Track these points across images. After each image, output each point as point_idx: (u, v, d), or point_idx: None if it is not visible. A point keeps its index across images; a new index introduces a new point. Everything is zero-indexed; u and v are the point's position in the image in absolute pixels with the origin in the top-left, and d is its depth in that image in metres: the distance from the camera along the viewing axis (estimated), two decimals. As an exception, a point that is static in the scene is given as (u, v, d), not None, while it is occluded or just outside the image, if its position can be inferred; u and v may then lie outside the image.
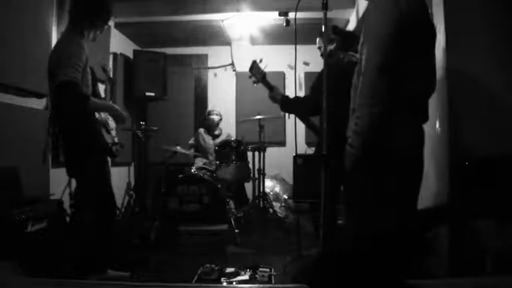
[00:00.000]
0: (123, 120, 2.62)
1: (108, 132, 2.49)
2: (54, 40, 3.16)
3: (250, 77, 2.74)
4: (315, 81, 2.62)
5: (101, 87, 3.16)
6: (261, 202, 4.22)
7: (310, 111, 2.64)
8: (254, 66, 2.73)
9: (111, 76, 4.70)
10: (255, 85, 2.77)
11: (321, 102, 1.81)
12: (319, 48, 2.72)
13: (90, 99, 2.30)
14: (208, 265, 2.58)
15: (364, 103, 1.40)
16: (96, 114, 2.48)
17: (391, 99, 1.39)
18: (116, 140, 2.57)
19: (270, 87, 2.69)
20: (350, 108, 1.55)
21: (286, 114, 5.41)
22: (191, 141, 4.71)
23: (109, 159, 2.65)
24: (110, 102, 2.77)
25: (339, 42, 2.61)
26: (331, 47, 2.59)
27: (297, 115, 2.84)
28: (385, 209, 1.43)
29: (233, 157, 3.88)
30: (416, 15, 1.44)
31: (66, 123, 2.33)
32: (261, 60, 2.77)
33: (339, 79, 1.90)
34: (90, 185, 2.36)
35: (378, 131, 1.39)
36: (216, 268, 2.55)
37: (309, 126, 2.82)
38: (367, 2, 1.62)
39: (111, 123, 2.59)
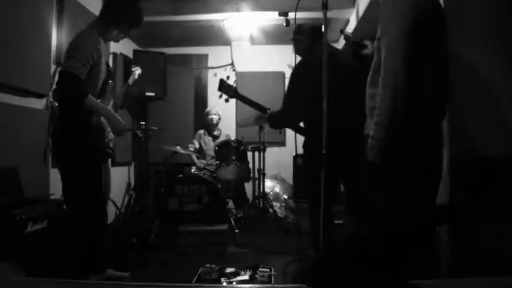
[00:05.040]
0: (119, 131, 2.39)
1: (103, 134, 2.38)
2: (54, 40, 3.15)
3: (220, 96, 2.80)
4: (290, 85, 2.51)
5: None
6: (261, 202, 4.22)
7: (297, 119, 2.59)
8: (224, 85, 2.78)
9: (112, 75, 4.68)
10: (229, 100, 2.83)
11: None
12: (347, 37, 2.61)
13: (88, 97, 2.19)
14: (208, 265, 2.57)
15: (387, 96, 1.39)
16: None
17: (414, 94, 1.38)
18: (111, 144, 2.46)
19: (247, 101, 2.71)
20: (367, 106, 1.56)
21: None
22: (192, 147, 4.64)
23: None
24: (111, 106, 2.58)
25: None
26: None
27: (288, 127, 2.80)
28: (405, 206, 1.44)
29: (233, 157, 3.89)
30: (432, 10, 1.46)
31: (60, 116, 2.28)
32: (228, 78, 2.82)
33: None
34: (77, 186, 2.27)
35: (401, 125, 1.38)
36: (216, 268, 2.55)
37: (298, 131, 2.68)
38: (369, 0, 1.62)
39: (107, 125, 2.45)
